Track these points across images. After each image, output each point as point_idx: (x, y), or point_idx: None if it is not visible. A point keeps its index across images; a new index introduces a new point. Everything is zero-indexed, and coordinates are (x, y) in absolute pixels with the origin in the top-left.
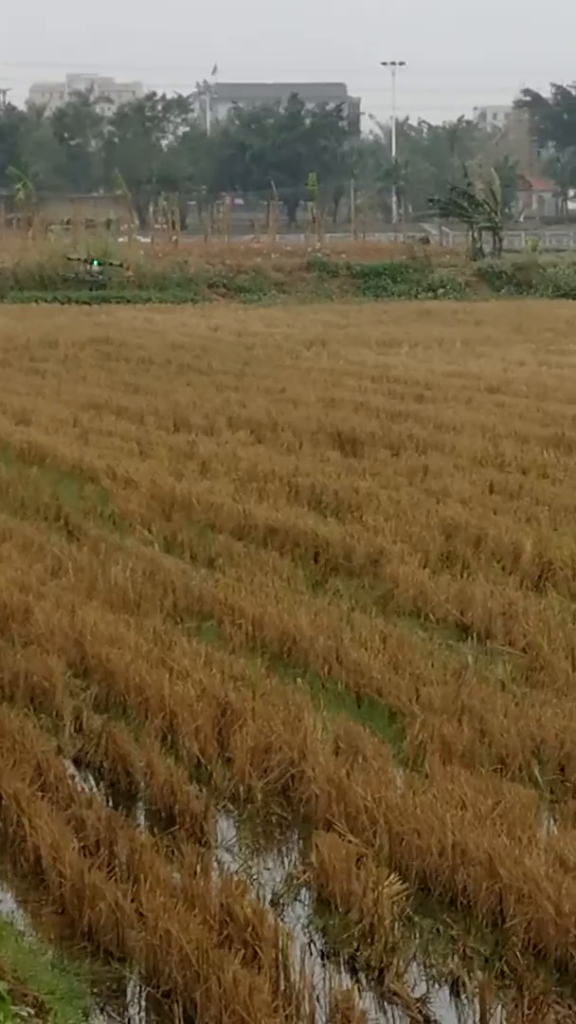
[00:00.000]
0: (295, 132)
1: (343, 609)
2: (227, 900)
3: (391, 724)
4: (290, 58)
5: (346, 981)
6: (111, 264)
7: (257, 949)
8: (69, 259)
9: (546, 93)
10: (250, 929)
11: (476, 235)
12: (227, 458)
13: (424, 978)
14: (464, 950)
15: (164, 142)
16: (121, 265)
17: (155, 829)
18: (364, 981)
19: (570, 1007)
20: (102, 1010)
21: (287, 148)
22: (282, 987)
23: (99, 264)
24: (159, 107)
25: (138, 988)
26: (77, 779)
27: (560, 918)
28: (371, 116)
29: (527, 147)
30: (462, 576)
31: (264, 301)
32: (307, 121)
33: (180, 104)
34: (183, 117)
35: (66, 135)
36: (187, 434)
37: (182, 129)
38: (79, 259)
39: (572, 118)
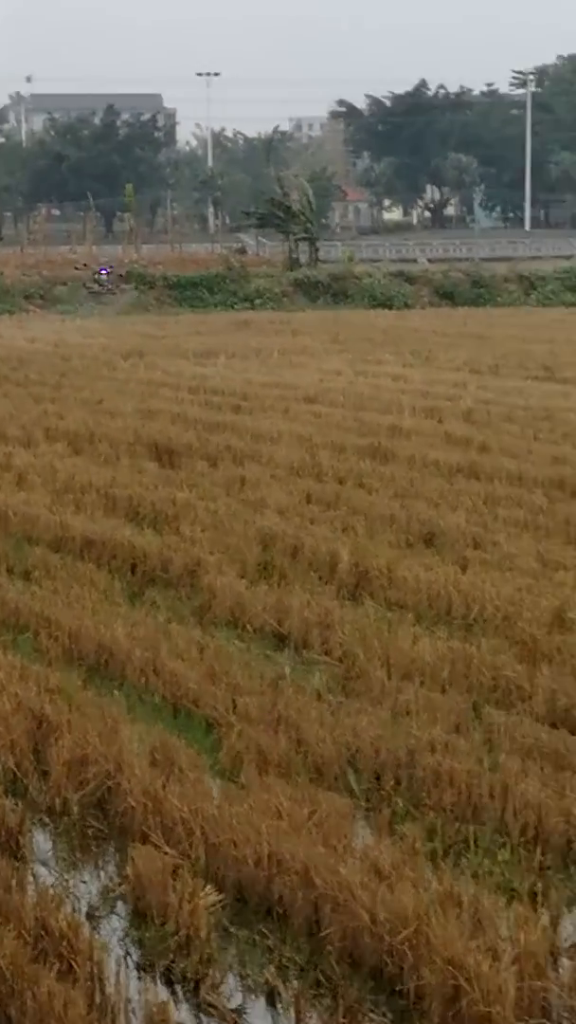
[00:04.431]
0: (111, 143)
1: (160, 620)
2: (42, 914)
3: (208, 735)
4: (105, 68)
5: (162, 993)
6: None
7: (73, 963)
8: None
9: (360, 104)
10: (65, 943)
11: (293, 245)
12: (44, 470)
13: (240, 989)
14: (280, 960)
15: None
16: None
17: None
18: (180, 993)
19: (384, 1015)
20: None
21: (103, 159)
22: (97, 1000)
23: None
24: None
25: None
26: None
27: (375, 926)
28: (197, 125)
29: (342, 158)
30: (279, 586)
31: (81, 312)
32: (122, 132)
33: None
34: None
35: None
36: (3, 446)
37: None
38: None
39: (386, 129)
